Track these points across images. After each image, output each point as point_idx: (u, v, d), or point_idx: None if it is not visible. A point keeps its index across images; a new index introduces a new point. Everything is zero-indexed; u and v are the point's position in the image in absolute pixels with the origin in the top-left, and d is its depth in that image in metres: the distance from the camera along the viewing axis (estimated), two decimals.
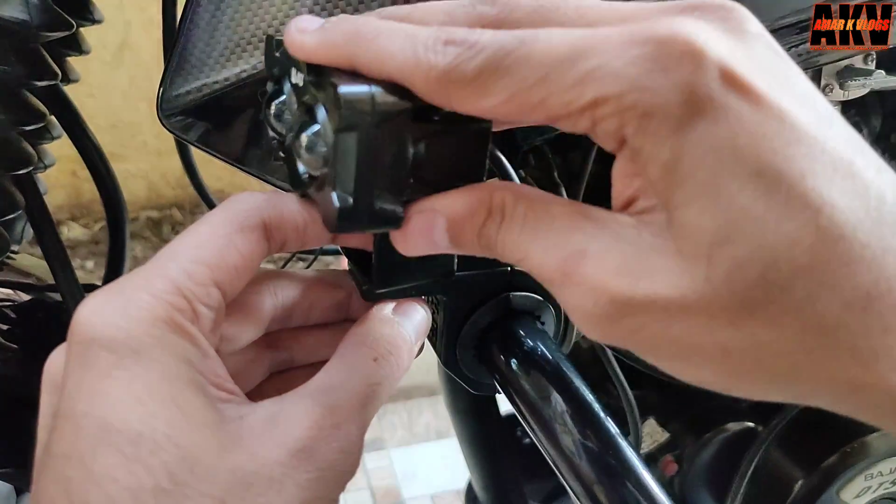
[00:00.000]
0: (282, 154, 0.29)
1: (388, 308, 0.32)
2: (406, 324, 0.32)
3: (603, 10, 0.24)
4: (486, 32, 0.23)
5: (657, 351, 0.23)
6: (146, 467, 0.24)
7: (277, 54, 0.30)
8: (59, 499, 0.24)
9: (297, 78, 0.28)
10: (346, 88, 0.24)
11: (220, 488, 0.24)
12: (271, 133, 0.30)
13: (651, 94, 0.21)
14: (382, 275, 0.32)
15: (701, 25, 0.22)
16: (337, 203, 0.26)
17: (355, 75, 0.25)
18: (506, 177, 0.34)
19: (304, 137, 0.27)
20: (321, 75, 0.26)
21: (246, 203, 0.29)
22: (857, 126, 0.64)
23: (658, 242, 0.22)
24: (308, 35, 0.26)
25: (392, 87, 0.25)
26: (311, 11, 0.35)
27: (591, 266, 0.22)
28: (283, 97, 0.29)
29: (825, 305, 0.20)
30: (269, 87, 0.30)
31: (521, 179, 0.54)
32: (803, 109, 0.22)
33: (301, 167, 0.28)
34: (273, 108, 0.29)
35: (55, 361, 0.28)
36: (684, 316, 0.21)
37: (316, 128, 0.26)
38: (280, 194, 0.30)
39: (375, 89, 0.25)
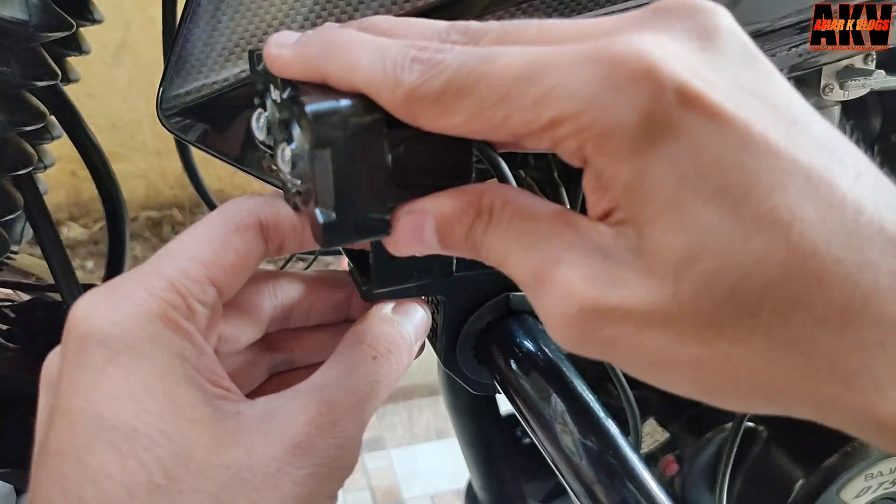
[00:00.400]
0: (272, 168, 0.29)
1: (387, 308, 0.33)
2: (406, 323, 0.32)
3: (564, 28, 0.23)
4: (454, 49, 0.23)
5: (631, 362, 0.22)
6: (140, 463, 0.24)
7: (259, 69, 0.30)
8: (54, 495, 0.24)
9: (276, 94, 0.28)
10: (314, 106, 0.24)
11: (215, 483, 0.24)
12: (261, 146, 0.30)
13: (608, 114, 0.21)
14: (381, 275, 0.32)
15: (660, 40, 0.21)
16: (321, 219, 0.26)
17: (329, 90, 0.25)
18: (502, 177, 0.34)
19: (283, 155, 0.27)
20: (295, 91, 0.26)
21: (243, 205, 0.30)
22: (858, 126, 0.64)
23: (629, 256, 0.22)
24: (284, 49, 0.26)
25: (363, 98, 0.25)
26: (310, 12, 0.35)
27: (564, 272, 0.22)
28: (267, 113, 0.29)
29: (799, 322, 0.20)
30: (256, 101, 0.30)
31: (521, 180, 0.54)
32: (772, 118, 0.21)
33: (287, 182, 0.28)
34: (260, 121, 0.29)
35: (53, 361, 0.28)
36: (654, 329, 0.21)
37: (294, 145, 0.26)
38: (278, 197, 0.30)
39: (344, 103, 0.25)
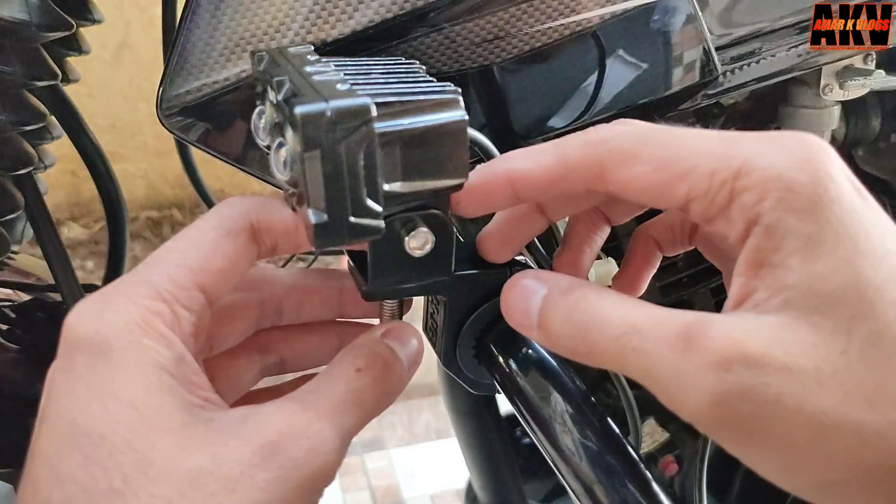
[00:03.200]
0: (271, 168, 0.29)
1: (378, 332, 0.33)
2: (397, 347, 0.32)
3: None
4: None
5: (790, 429, 0.21)
6: (103, 469, 0.24)
7: (259, 70, 0.30)
8: (29, 498, 0.25)
9: (272, 96, 0.28)
10: (303, 108, 0.25)
11: (171, 488, 0.24)
12: (261, 146, 0.30)
13: (794, 173, 0.23)
14: (379, 274, 0.32)
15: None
16: (312, 220, 0.26)
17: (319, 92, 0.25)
18: None
19: (278, 156, 0.27)
20: (290, 93, 0.26)
21: (234, 207, 0.30)
22: (858, 126, 0.64)
23: (785, 319, 0.22)
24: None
25: (350, 98, 0.25)
26: (310, 12, 0.35)
27: (720, 328, 0.22)
28: (266, 114, 0.29)
29: None
30: (258, 102, 0.30)
31: None
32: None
33: (283, 184, 0.28)
34: (261, 121, 0.29)
35: (52, 367, 0.28)
36: (822, 388, 0.21)
37: (287, 147, 0.26)
38: (272, 198, 0.30)
39: (333, 105, 0.25)
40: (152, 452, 0.25)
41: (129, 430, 0.25)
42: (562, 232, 0.45)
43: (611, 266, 0.46)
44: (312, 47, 0.34)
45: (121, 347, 0.26)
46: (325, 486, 0.27)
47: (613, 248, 0.62)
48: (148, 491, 0.24)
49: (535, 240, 0.37)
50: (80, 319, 0.27)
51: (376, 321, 0.35)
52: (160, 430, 0.25)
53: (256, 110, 0.30)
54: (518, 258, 0.37)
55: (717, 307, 0.66)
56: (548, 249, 0.40)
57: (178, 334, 0.27)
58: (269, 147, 0.29)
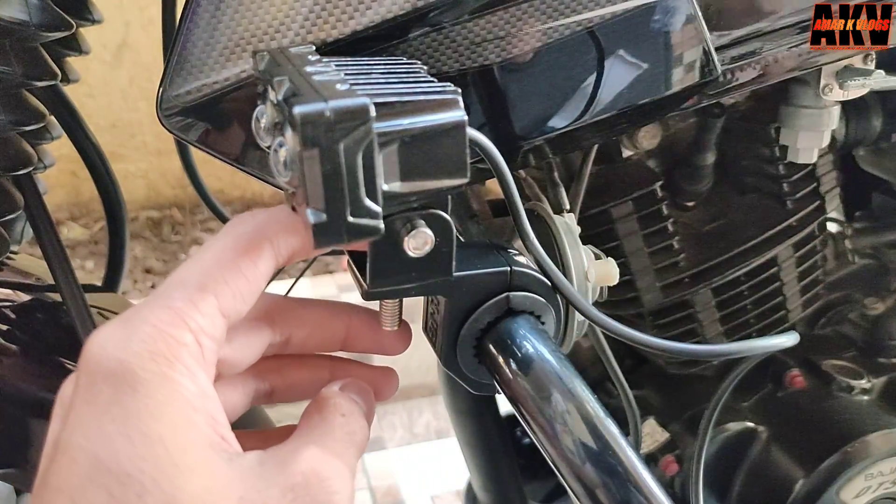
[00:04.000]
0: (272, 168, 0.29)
1: (336, 386, 0.34)
2: (357, 399, 0.33)
3: None
4: None
5: None
6: None
7: (260, 70, 0.30)
8: None
9: (273, 96, 0.28)
10: (302, 107, 0.24)
11: None
12: (262, 146, 0.30)
13: None
14: (379, 275, 0.32)
15: None
16: (311, 220, 0.26)
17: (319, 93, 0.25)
18: (499, 174, 0.34)
19: (277, 156, 0.27)
20: (290, 93, 0.26)
21: (249, 225, 0.29)
22: (858, 126, 0.64)
23: None
24: None
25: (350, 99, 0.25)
26: (310, 12, 0.35)
27: None
28: (267, 114, 0.29)
29: None
30: (259, 102, 0.30)
31: (521, 179, 0.54)
32: None
33: (283, 184, 0.28)
34: (262, 121, 0.29)
35: (67, 389, 0.28)
36: None
37: (286, 146, 0.26)
38: (280, 209, 0.30)
39: (332, 105, 0.25)
40: (181, 495, 0.24)
41: (158, 469, 0.24)
42: (562, 234, 0.45)
43: (610, 266, 0.45)
44: (314, 47, 0.34)
45: (146, 380, 0.25)
46: None
47: (614, 248, 0.62)
48: None
49: (535, 239, 0.37)
50: (103, 347, 0.26)
51: (373, 356, 0.36)
52: (187, 472, 0.25)
53: (257, 110, 0.30)
54: (519, 258, 0.37)
55: (719, 307, 0.66)
56: (548, 249, 0.40)
57: (201, 366, 0.27)
58: (269, 147, 0.29)
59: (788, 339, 0.41)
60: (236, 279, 0.28)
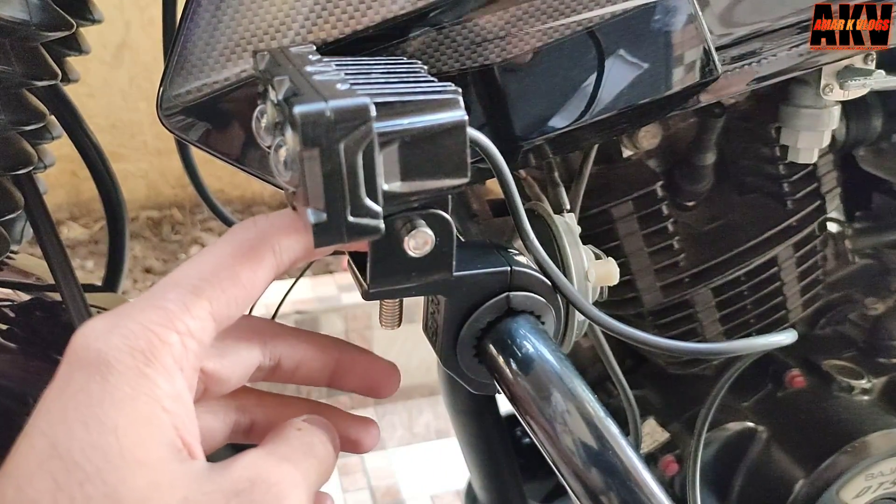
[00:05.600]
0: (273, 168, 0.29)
1: (298, 419, 0.33)
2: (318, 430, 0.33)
3: None
4: None
5: None
6: (70, 499, 0.24)
7: (260, 69, 0.30)
8: None
9: (273, 95, 0.28)
10: (302, 107, 0.25)
11: None
12: (262, 145, 0.30)
13: None
14: (379, 274, 0.32)
15: None
16: (312, 219, 0.26)
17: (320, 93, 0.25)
18: (499, 174, 0.34)
19: (277, 156, 0.27)
20: (290, 93, 0.26)
21: (251, 231, 0.29)
22: (858, 126, 0.64)
23: None
24: None
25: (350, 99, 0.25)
26: (311, 12, 0.35)
27: None
28: (268, 113, 0.29)
29: None
30: (259, 102, 0.30)
31: (521, 179, 0.54)
32: None
33: (283, 183, 0.28)
34: (262, 121, 0.29)
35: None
36: None
37: (287, 146, 0.26)
38: (284, 214, 0.30)
39: (332, 104, 0.25)
40: (123, 488, 0.24)
41: (105, 459, 0.24)
42: (562, 233, 0.45)
43: (610, 266, 0.45)
44: (314, 47, 0.34)
45: (119, 373, 0.25)
46: None
47: (614, 248, 0.62)
48: None
49: (535, 239, 0.37)
50: (87, 338, 0.26)
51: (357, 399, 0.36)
52: (135, 466, 0.24)
53: (257, 110, 0.30)
54: (519, 258, 0.37)
55: (719, 307, 0.66)
56: (548, 249, 0.40)
57: (182, 368, 0.27)
58: (269, 147, 0.29)
59: (787, 337, 0.41)
60: (233, 285, 0.28)
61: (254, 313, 0.67)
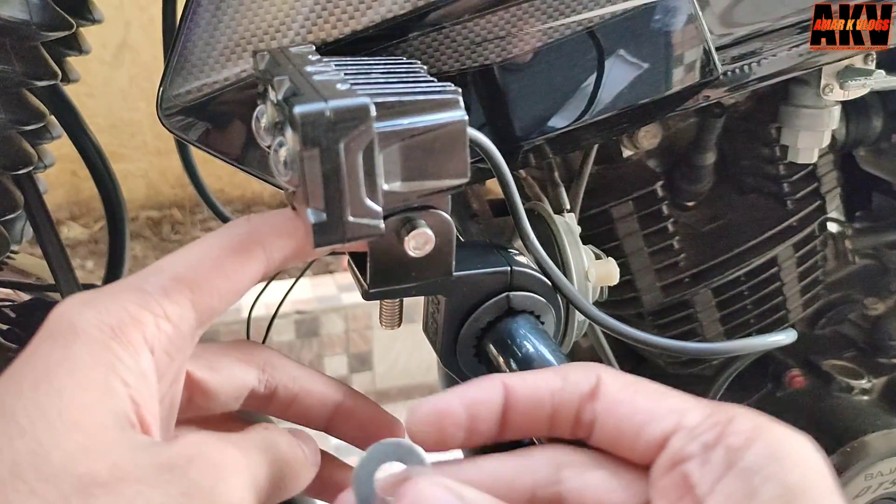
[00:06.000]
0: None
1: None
2: (302, 444, 0.31)
3: None
4: None
5: None
6: None
7: (260, 69, 0.30)
8: None
9: (273, 95, 0.28)
10: (302, 107, 0.25)
11: (56, 491, 0.22)
12: (262, 145, 0.30)
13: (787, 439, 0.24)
14: (378, 275, 0.32)
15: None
16: (312, 219, 0.26)
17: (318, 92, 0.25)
18: (499, 174, 0.34)
19: (277, 156, 0.27)
20: (290, 92, 0.26)
21: (243, 227, 0.29)
22: (858, 126, 0.64)
23: None
24: None
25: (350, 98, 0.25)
26: (311, 11, 0.35)
27: None
28: (267, 113, 0.29)
29: None
30: (259, 102, 0.30)
31: (521, 179, 0.54)
32: None
33: (283, 183, 0.28)
34: (262, 121, 0.29)
35: None
36: None
37: (287, 146, 0.26)
38: (279, 213, 0.30)
39: (332, 104, 0.25)
40: (53, 449, 0.23)
41: (41, 417, 0.23)
42: (562, 233, 0.45)
43: (610, 266, 0.45)
44: (314, 47, 0.34)
45: (83, 342, 0.25)
46: None
47: (614, 248, 0.62)
48: (30, 487, 0.22)
49: (535, 239, 0.37)
50: (62, 311, 0.26)
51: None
52: (72, 428, 0.23)
53: (257, 110, 0.30)
54: (519, 258, 0.37)
55: (719, 307, 0.66)
56: (548, 249, 0.40)
57: (153, 350, 0.26)
58: (269, 147, 0.29)
59: (786, 337, 0.41)
60: (217, 276, 0.28)
61: (254, 314, 0.67)
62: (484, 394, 0.28)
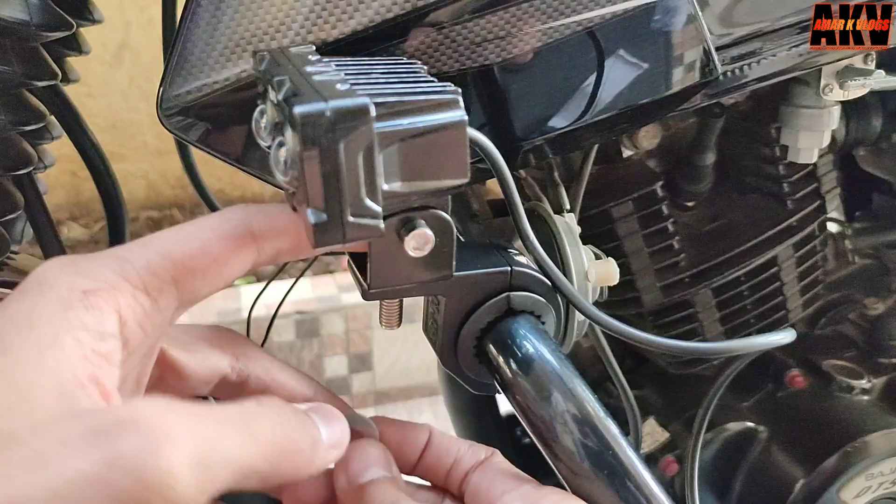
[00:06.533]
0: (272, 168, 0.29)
1: (304, 406, 0.29)
2: (320, 423, 0.28)
3: None
4: None
5: None
6: None
7: (260, 70, 0.30)
8: None
9: (273, 96, 0.28)
10: (302, 107, 0.25)
11: None
12: (262, 145, 0.30)
13: None
14: (379, 275, 0.32)
15: None
16: (312, 220, 0.26)
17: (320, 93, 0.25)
18: (499, 174, 0.34)
19: (277, 156, 0.27)
20: (291, 93, 0.26)
21: (237, 213, 0.29)
22: (858, 126, 0.64)
23: None
24: None
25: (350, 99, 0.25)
26: (311, 12, 0.35)
27: None
28: (267, 114, 0.29)
29: None
30: (259, 103, 0.30)
31: (521, 179, 0.54)
32: None
33: (283, 183, 0.28)
34: (262, 121, 0.29)
35: None
36: None
37: (286, 146, 0.26)
38: (276, 207, 0.30)
39: (332, 105, 0.25)
40: None
41: None
42: (562, 233, 0.45)
43: (610, 266, 0.45)
44: (314, 47, 0.34)
45: (48, 300, 0.24)
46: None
47: (614, 248, 0.62)
48: None
49: (535, 239, 0.37)
50: (41, 270, 0.26)
51: None
52: (7, 385, 0.22)
53: (257, 110, 0.30)
54: (519, 258, 0.37)
55: (719, 307, 0.66)
56: (548, 249, 0.40)
57: (125, 319, 0.25)
58: (269, 147, 0.29)
59: (785, 336, 0.41)
60: (203, 258, 0.28)
61: (254, 314, 0.67)
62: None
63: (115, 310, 0.25)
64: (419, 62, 0.34)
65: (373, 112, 0.25)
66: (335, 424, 0.29)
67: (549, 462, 0.33)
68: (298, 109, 0.25)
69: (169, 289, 0.27)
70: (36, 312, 0.24)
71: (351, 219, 0.26)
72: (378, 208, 0.27)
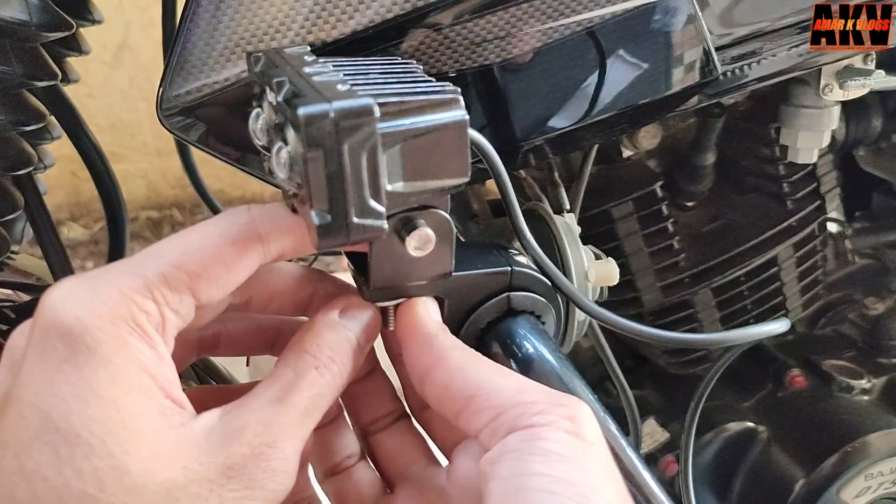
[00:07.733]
0: (272, 170, 0.29)
1: (334, 312, 0.32)
2: (352, 325, 0.32)
3: None
4: None
5: None
6: (76, 471, 0.24)
7: (256, 70, 0.30)
8: None
9: (272, 97, 0.28)
10: (306, 108, 0.24)
11: (144, 501, 0.24)
12: (259, 147, 0.30)
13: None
14: (379, 275, 0.31)
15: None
16: (315, 221, 0.26)
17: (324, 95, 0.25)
18: (496, 174, 0.34)
19: (278, 157, 0.27)
20: (291, 93, 0.26)
21: (242, 216, 0.29)
22: (858, 126, 0.64)
23: None
24: None
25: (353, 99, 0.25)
26: (311, 12, 0.35)
27: None
28: (264, 115, 0.29)
29: None
30: (254, 103, 0.30)
31: (521, 179, 0.54)
32: None
33: (284, 184, 0.28)
34: (258, 123, 0.29)
35: (19, 338, 0.27)
36: None
37: (288, 147, 0.26)
38: (279, 207, 0.30)
39: (335, 105, 0.25)
40: (128, 460, 0.24)
41: (108, 432, 0.24)
42: (562, 234, 0.45)
43: (610, 266, 0.45)
44: (309, 48, 0.34)
45: (104, 342, 0.25)
46: (282, 499, 0.28)
47: (614, 248, 0.62)
48: (122, 500, 0.24)
49: (532, 239, 0.37)
50: (63, 302, 0.25)
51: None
52: (137, 436, 0.25)
53: (253, 112, 0.30)
54: (519, 258, 0.37)
55: (719, 307, 0.66)
56: (548, 249, 0.40)
57: (162, 336, 0.27)
58: (266, 148, 0.29)
59: (779, 326, 0.41)
60: (215, 263, 0.28)
61: None
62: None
63: (157, 331, 0.27)
64: (415, 62, 0.34)
65: (377, 112, 0.25)
66: (363, 317, 0.33)
67: None
68: (302, 110, 0.24)
69: (187, 299, 0.28)
70: (108, 362, 0.25)
71: (355, 220, 0.26)
72: (381, 209, 0.27)
